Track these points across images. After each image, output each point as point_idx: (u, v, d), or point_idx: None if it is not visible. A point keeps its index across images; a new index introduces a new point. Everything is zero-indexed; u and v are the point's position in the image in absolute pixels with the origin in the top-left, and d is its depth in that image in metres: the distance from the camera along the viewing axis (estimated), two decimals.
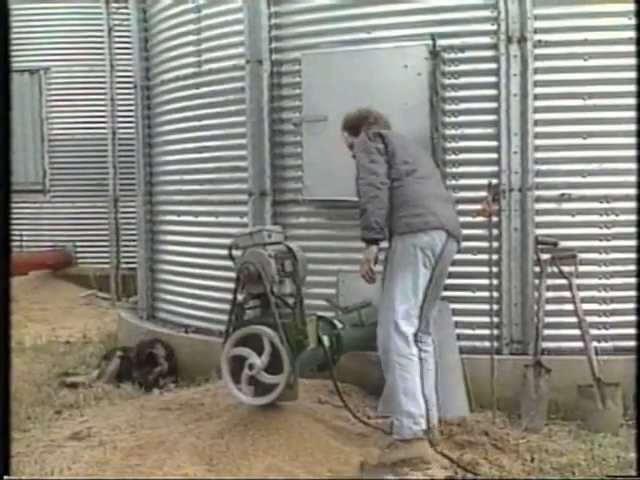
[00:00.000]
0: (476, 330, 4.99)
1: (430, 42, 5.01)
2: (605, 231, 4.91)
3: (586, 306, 4.83)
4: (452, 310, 4.94)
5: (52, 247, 10.40)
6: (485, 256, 4.90)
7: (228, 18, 5.79)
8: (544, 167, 4.97)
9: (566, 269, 4.88)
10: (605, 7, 4.83)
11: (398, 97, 5.05)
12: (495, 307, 4.90)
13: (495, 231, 4.94)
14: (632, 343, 4.39)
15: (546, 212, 4.99)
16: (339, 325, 4.39)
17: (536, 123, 4.94)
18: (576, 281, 4.85)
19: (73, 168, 10.42)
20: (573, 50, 4.90)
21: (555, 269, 4.90)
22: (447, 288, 4.95)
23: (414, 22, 5.11)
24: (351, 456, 3.83)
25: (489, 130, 5.03)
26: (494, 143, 5.01)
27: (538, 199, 4.97)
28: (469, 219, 5.00)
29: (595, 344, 4.76)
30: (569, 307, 4.83)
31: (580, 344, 4.75)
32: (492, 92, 5.00)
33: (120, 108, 9.25)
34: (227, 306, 4.22)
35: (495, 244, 4.94)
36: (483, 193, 4.90)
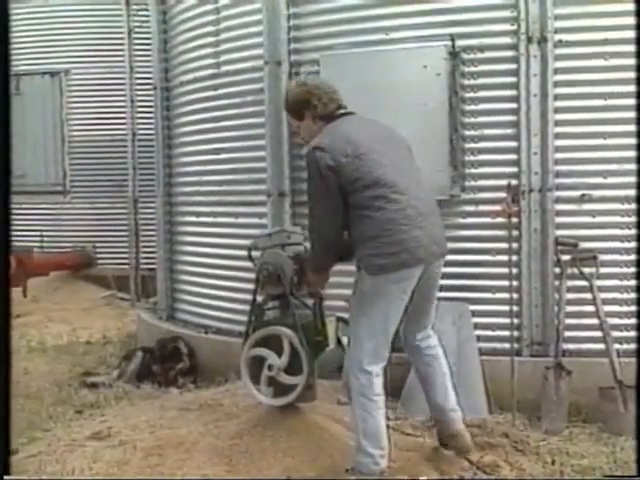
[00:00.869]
0: (496, 332, 4.96)
1: (449, 42, 5.00)
2: (626, 232, 4.86)
3: (607, 308, 4.79)
4: (472, 312, 4.93)
5: (72, 248, 10.47)
6: (505, 257, 4.87)
7: (247, 19, 5.80)
8: (564, 168, 4.94)
9: (587, 270, 4.85)
10: (626, 6, 4.77)
11: (417, 98, 5.04)
12: (515, 308, 4.87)
13: (515, 232, 4.91)
14: None
15: (566, 213, 4.96)
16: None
17: (556, 124, 4.91)
18: (597, 282, 4.82)
19: (93, 169, 10.47)
20: (594, 50, 4.87)
21: (576, 270, 4.87)
22: (467, 289, 4.96)
23: (433, 23, 5.10)
24: None
25: (509, 131, 5.01)
26: (514, 144, 4.98)
27: (558, 200, 4.94)
28: (488, 220, 4.99)
29: (616, 346, 4.72)
30: (590, 309, 4.80)
31: (601, 346, 4.72)
32: (512, 93, 4.98)
33: (140, 109, 9.28)
34: (246, 307, 4.23)
35: (515, 245, 4.91)
36: (503, 194, 4.87)
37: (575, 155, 4.94)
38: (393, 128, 3.84)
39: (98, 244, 10.47)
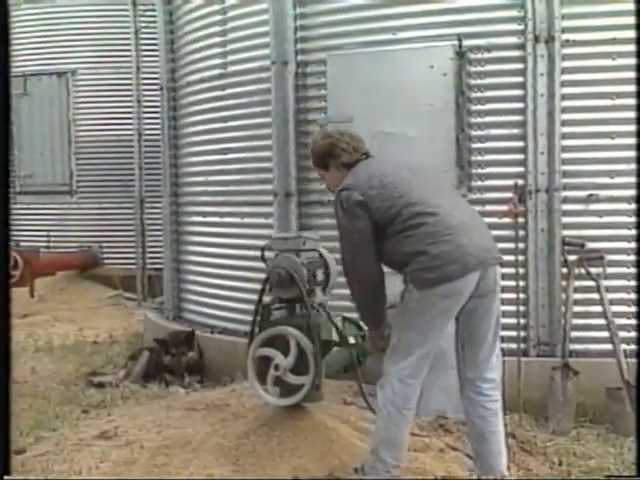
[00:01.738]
0: (503, 332, 4.93)
1: (456, 42, 4.99)
2: (633, 232, 4.84)
3: (614, 308, 4.78)
4: None
5: (79, 248, 10.49)
6: (512, 257, 4.86)
7: (254, 20, 5.81)
8: (571, 168, 4.93)
9: (594, 270, 4.84)
10: (634, 5, 4.77)
11: (424, 98, 5.04)
12: (522, 309, 4.86)
13: (521, 232, 4.90)
14: None
15: (573, 213, 4.95)
16: (364, 326, 4.38)
17: (563, 123, 4.91)
18: (604, 283, 4.80)
19: (100, 169, 10.50)
20: (601, 49, 4.87)
21: (582, 270, 4.85)
22: None
23: (440, 22, 5.10)
24: None
25: (515, 131, 5.00)
26: (521, 144, 4.98)
27: (565, 200, 4.93)
28: (495, 220, 4.97)
29: (624, 346, 4.71)
30: (597, 309, 4.79)
31: (608, 346, 4.70)
32: (519, 92, 4.97)
33: (146, 110, 9.30)
34: (253, 307, 4.23)
35: (521, 245, 4.90)
36: (509, 194, 4.87)
37: (582, 155, 4.93)
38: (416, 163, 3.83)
39: (105, 244, 10.50)
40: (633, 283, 4.85)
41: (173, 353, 5.81)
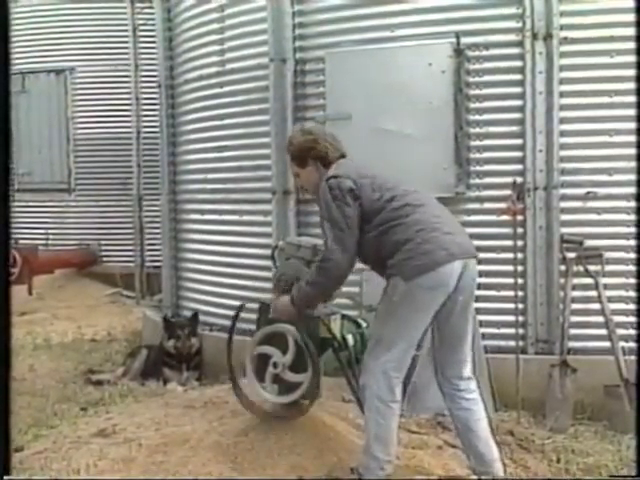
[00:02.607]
0: (501, 329, 4.96)
1: (454, 40, 4.99)
2: (632, 230, 4.85)
3: (613, 305, 4.78)
4: (476, 309, 4.91)
5: (77, 245, 10.49)
6: (510, 255, 4.87)
7: (251, 17, 5.80)
8: (570, 165, 4.94)
9: (592, 268, 4.84)
10: (632, 2, 4.77)
11: (422, 95, 5.04)
12: (520, 306, 4.87)
13: (520, 230, 4.91)
14: None
15: (572, 210, 4.95)
16: (363, 324, 4.38)
17: (562, 121, 4.91)
18: (602, 280, 4.81)
19: (98, 167, 10.49)
20: (599, 47, 4.86)
21: (581, 268, 4.86)
22: None
23: (438, 20, 5.09)
24: None
25: (514, 128, 5.00)
26: (519, 141, 4.98)
27: (563, 197, 4.94)
28: (493, 218, 4.98)
29: (622, 343, 4.71)
30: (595, 306, 4.79)
31: (607, 344, 4.71)
32: (517, 90, 4.97)
33: (144, 107, 9.29)
34: (252, 304, 4.23)
35: (520, 243, 4.91)
36: (508, 192, 4.87)
37: (580, 152, 4.94)
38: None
39: (103, 242, 10.50)
40: (632, 281, 4.86)
41: (179, 335, 5.80)
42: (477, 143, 5.07)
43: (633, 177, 4.77)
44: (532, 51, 4.90)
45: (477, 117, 5.06)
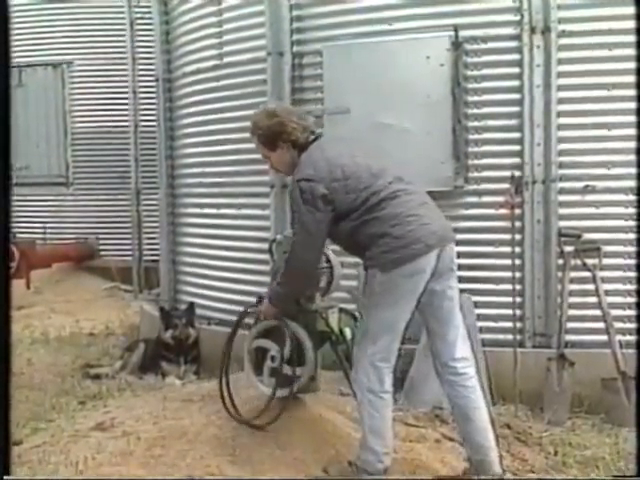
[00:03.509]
0: (499, 323, 4.97)
1: (452, 33, 4.98)
2: (630, 223, 4.85)
3: (610, 299, 4.78)
4: (474, 303, 4.92)
5: (75, 240, 10.47)
6: (508, 248, 4.87)
7: (249, 10, 5.79)
8: (568, 159, 4.93)
9: (590, 261, 4.85)
10: None
11: (420, 89, 5.03)
12: (518, 300, 4.87)
13: (518, 223, 4.90)
14: None
15: (570, 204, 4.95)
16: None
17: (559, 114, 4.90)
18: (600, 274, 4.81)
19: (96, 161, 10.47)
20: (598, 40, 4.86)
21: (579, 261, 4.86)
22: (469, 280, 4.95)
23: (436, 13, 5.09)
24: None
25: (512, 122, 5.00)
26: (517, 135, 4.98)
27: (561, 191, 4.94)
28: (491, 211, 4.98)
29: (619, 337, 4.72)
30: (593, 300, 4.80)
31: (604, 337, 4.72)
32: (515, 83, 4.97)
33: (142, 101, 9.26)
34: (250, 298, 4.23)
35: (518, 236, 4.91)
36: (506, 185, 4.87)
37: (578, 146, 4.93)
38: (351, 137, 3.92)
39: (101, 236, 10.49)
40: (629, 274, 4.86)
41: (176, 324, 5.80)
42: (475, 137, 5.06)
43: (631, 170, 4.79)
44: (530, 44, 4.90)
45: (475, 110, 5.05)
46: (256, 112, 3.75)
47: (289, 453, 3.70)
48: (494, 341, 4.91)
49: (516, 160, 4.97)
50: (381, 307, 3.40)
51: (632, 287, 4.84)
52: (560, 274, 4.90)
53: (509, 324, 4.83)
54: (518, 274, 4.88)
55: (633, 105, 4.76)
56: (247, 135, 5.77)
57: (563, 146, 4.92)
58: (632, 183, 4.78)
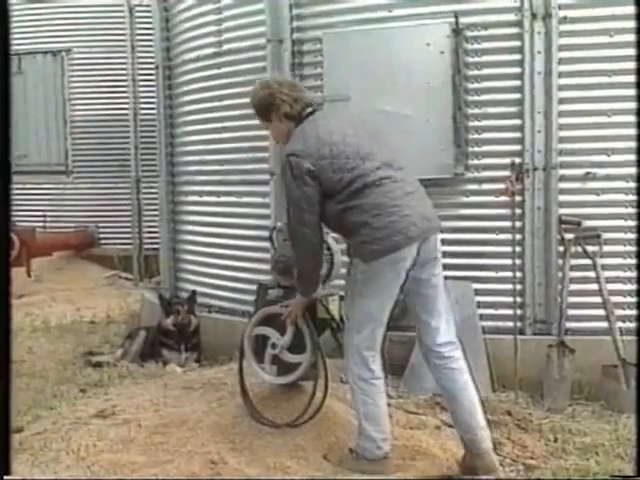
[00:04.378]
0: (499, 310, 4.97)
1: (453, 20, 4.95)
2: (630, 210, 4.84)
3: (611, 286, 4.78)
4: (475, 290, 4.93)
5: (75, 228, 10.47)
6: (508, 236, 4.87)
7: None
8: (568, 146, 4.92)
9: (590, 249, 4.84)
10: None
11: (420, 76, 5.01)
12: (518, 287, 4.87)
13: (518, 210, 4.90)
14: None
15: (570, 191, 4.94)
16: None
17: (560, 101, 4.88)
18: (600, 261, 4.81)
19: (95, 149, 10.44)
20: (599, 26, 4.83)
21: (579, 249, 4.86)
22: (470, 268, 4.96)
23: (436, 0, 5.05)
24: None
25: (512, 109, 4.98)
26: (518, 122, 4.96)
27: (562, 178, 4.92)
28: (492, 198, 4.97)
29: (620, 324, 4.72)
30: (593, 287, 4.80)
31: (604, 324, 4.72)
32: (516, 70, 4.95)
33: (142, 89, 9.25)
34: (250, 286, 4.24)
35: (518, 224, 4.90)
36: (506, 172, 4.86)
37: (579, 133, 4.92)
38: (354, 114, 3.91)
39: (101, 224, 10.48)
40: (629, 261, 4.86)
41: (178, 310, 5.81)
42: (475, 124, 5.04)
43: (632, 157, 4.78)
44: (531, 31, 4.87)
45: (475, 98, 5.03)
46: (254, 84, 3.82)
47: (290, 440, 3.71)
48: (494, 328, 4.91)
49: (517, 147, 4.96)
50: (364, 296, 3.45)
51: (632, 274, 4.84)
52: (560, 261, 4.90)
53: (509, 311, 4.83)
54: (518, 261, 4.88)
55: (634, 92, 4.79)
56: (247, 123, 5.85)
57: (564, 133, 4.91)
58: (632, 170, 4.77)
